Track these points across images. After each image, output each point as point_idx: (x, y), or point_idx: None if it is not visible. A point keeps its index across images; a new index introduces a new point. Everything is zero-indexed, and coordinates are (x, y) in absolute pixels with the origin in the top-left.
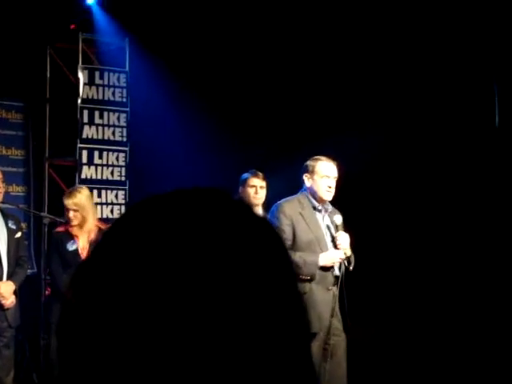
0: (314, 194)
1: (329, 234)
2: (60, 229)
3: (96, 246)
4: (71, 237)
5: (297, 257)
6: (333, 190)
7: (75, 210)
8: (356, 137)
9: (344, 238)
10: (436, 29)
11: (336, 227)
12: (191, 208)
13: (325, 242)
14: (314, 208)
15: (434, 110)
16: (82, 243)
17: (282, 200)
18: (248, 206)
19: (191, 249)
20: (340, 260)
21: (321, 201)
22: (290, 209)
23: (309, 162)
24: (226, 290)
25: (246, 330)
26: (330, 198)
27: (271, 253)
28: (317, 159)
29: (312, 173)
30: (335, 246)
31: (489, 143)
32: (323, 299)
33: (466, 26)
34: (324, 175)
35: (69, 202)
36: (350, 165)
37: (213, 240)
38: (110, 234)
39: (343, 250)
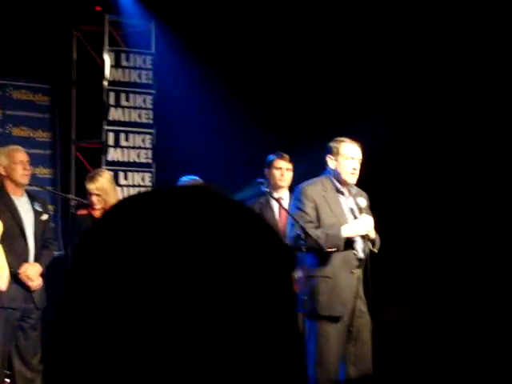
0: (337, 177)
1: (352, 217)
2: (83, 211)
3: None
4: (94, 220)
5: (318, 232)
6: (357, 173)
7: (97, 195)
8: (380, 119)
9: (368, 221)
10: (464, 16)
11: (360, 210)
12: (169, 208)
13: (346, 223)
14: (338, 191)
15: (459, 96)
16: None
17: (305, 183)
18: (233, 204)
19: (166, 249)
20: (365, 232)
21: (345, 183)
22: (313, 191)
23: (332, 144)
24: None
25: (228, 330)
26: (355, 181)
27: (252, 250)
28: (341, 141)
29: (336, 154)
30: None
31: None
32: (347, 283)
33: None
34: (349, 157)
35: (91, 187)
36: (374, 147)
37: (192, 239)
38: (88, 236)
39: (367, 233)
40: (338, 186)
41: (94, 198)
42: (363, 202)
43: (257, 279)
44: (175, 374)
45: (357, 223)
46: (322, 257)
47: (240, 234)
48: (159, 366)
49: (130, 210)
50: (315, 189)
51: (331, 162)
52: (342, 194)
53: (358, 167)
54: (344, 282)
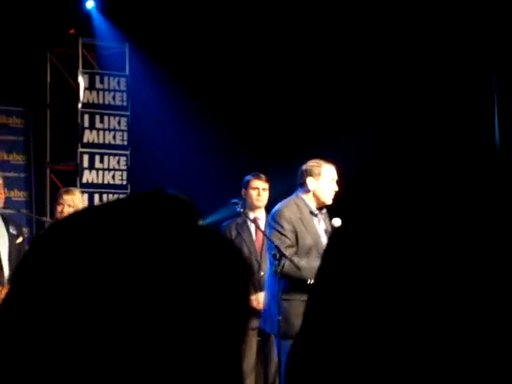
0: (317, 197)
1: (326, 238)
2: None
3: (25, 255)
4: None
5: (303, 262)
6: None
7: (70, 206)
8: (353, 138)
9: None
10: (437, 32)
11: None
12: (123, 216)
13: (323, 247)
14: (311, 213)
15: (431, 115)
16: None
17: (279, 205)
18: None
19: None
20: None
21: (323, 204)
22: (291, 213)
23: (312, 165)
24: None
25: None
26: (330, 202)
27: (200, 260)
28: (320, 163)
29: (318, 176)
30: None
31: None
32: None
33: (467, 30)
34: (330, 178)
35: (67, 198)
36: (346, 167)
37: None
38: (37, 243)
39: None
40: (312, 207)
41: (66, 210)
42: (338, 222)
43: (205, 290)
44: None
45: None
46: (299, 281)
47: (194, 247)
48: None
49: (79, 222)
50: (292, 210)
51: (312, 183)
52: (315, 215)
53: (337, 188)
54: None
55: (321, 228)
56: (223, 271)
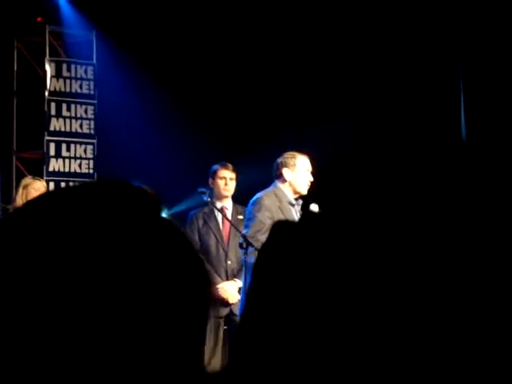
0: (294, 188)
1: None
2: None
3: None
4: None
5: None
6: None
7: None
8: (320, 129)
9: None
10: (406, 27)
11: None
12: (84, 201)
13: None
14: (289, 203)
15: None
16: None
17: (261, 193)
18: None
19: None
20: None
21: (299, 194)
22: (270, 202)
23: (287, 157)
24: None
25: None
26: (306, 192)
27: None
28: (294, 155)
29: (293, 167)
30: None
31: (455, 154)
32: None
33: (435, 26)
34: (305, 169)
35: (43, 184)
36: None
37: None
38: (12, 219)
39: None
40: (290, 197)
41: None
42: (315, 207)
43: (159, 280)
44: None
45: None
46: None
47: (153, 240)
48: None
49: (41, 207)
50: (271, 199)
51: (288, 174)
52: (293, 205)
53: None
54: None
55: (298, 217)
56: (178, 262)
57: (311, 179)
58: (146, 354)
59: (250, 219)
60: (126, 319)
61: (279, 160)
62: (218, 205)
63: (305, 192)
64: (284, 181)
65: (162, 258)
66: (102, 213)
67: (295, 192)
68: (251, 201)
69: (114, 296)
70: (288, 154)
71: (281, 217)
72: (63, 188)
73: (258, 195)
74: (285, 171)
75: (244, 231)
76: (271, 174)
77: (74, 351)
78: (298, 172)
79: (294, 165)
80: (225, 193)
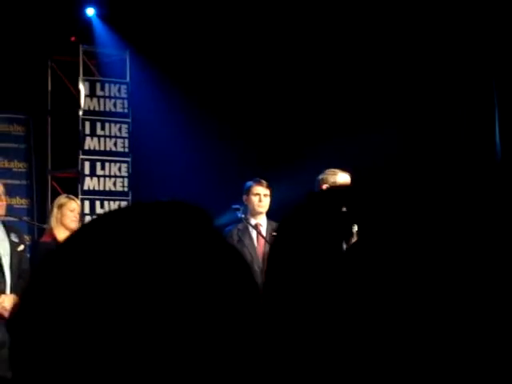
0: None
1: (344, 243)
2: (46, 238)
3: (56, 249)
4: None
5: None
6: None
7: (78, 213)
8: (354, 143)
9: None
10: (439, 41)
11: (351, 235)
12: (149, 221)
13: None
14: None
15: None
16: None
17: None
18: (208, 223)
19: (140, 261)
20: None
21: None
22: None
23: (327, 174)
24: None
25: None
26: None
27: (216, 267)
28: (334, 172)
29: (334, 184)
30: None
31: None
32: None
33: (469, 40)
34: None
35: (77, 204)
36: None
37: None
38: (70, 241)
39: None
40: None
41: (76, 216)
42: (355, 227)
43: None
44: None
45: None
46: None
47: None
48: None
49: (98, 228)
50: None
51: None
52: None
53: None
54: None
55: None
56: (235, 273)
57: None
58: (197, 360)
59: None
60: (182, 326)
61: (320, 177)
62: (253, 221)
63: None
64: None
65: (221, 269)
66: (168, 230)
67: None
68: None
69: (177, 299)
70: (329, 171)
71: None
72: (122, 209)
73: None
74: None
75: None
76: (306, 190)
77: (136, 352)
78: None
79: (335, 182)
80: (259, 209)
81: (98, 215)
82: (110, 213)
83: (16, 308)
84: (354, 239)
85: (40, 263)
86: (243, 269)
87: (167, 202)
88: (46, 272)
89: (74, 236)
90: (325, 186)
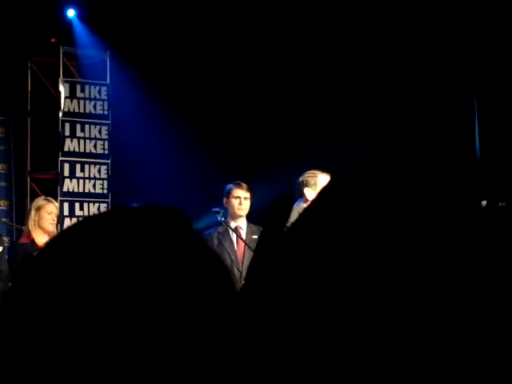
0: None
1: None
2: (24, 240)
3: (37, 255)
4: (37, 247)
5: None
6: None
7: (56, 216)
8: (333, 148)
9: None
10: (421, 47)
11: None
12: (134, 223)
13: None
14: None
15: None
16: None
17: None
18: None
19: (119, 264)
20: None
21: None
22: (294, 217)
23: (308, 177)
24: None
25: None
26: None
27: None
28: (315, 173)
29: (314, 186)
30: None
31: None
32: None
33: (451, 47)
34: None
35: (55, 206)
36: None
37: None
38: (52, 243)
39: None
40: None
41: (54, 218)
42: None
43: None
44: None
45: None
46: None
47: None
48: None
49: (78, 232)
50: (295, 217)
51: (309, 193)
52: None
53: None
54: None
55: None
56: (213, 280)
57: None
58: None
59: None
60: (161, 332)
61: (300, 179)
62: (233, 224)
63: None
64: (306, 200)
65: (200, 273)
66: (147, 235)
67: None
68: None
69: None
70: (309, 173)
71: None
72: (101, 214)
73: None
74: (306, 190)
75: None
76: (286, 193)
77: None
78: (318, 190)
79: (315, 184)
80: (239, 212)
81: (78, 218)
82: (90, 218)
83: None
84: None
85: (20, 268)
86: (222, 273)
87: (145, 206)
88: (26, 277)
89: (54, 241)
90: (306, 189)
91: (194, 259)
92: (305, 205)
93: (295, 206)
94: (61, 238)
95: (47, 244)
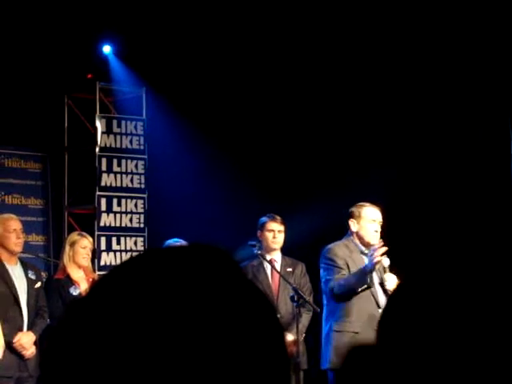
0: (361, 239)
1: (377, 276)
2: (59, 275)
3: (89, 292)
4: (72, 282)
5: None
6: (379, 234)
7: (90, 250)
8: (371, 176)
9: (392, 280)
10: (457, 80)
11: (384, 269)
12: (182, 264)
13: (373, 284)
14: (361, 252)
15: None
16: (83, 287)
17: (331, 244)
18: (236, 266)
19: (175, 304)
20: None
21: (368, 245)
22: (340, 251)
23: (354, 209)
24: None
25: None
26: (377, 242)
27: (249, 313)
28: (362, 205)
29: (358, 218)
30: (384, 289)
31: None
32: (372, 340)
33: (484, 69)
34: (370, 220)
35: (89, 241)
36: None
37: (194, 294)
38: (104, 281)
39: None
40: (362, 247)
41: (88, 253)
42: (387, 261)
43: (242, 343)
44: None
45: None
46: (349, 312)
47: (228, 297)
48: None
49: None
50: (341, 249)
51: (353, 225)
52: (365, 255)
53: (379, 229)
54: (370, 338)
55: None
56: (260, 318)
57: (377, 229)
58: None
59: (325, 267)
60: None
61: (349, 210)
62: (267, 257)
63: (373, 242)
64: (352, 232)
65: (247, 312)
66: (194, 276)
67: (363, 243)
68: (322, 251)
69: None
70: (357, 205)
71: (352, 264)
72: (141, 256)
73: (328, 246)
74: (351, 222)
75: (322, 278)
76: (319, 226)
77: None
78: (363, 223)
79: (360, 216)
80: (273, 245)
81: (115, 252)
82: (133, 260)
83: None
84: (387, 273)
85: (65, 315)
86: (268, 310)
87: (189, 247)
88: (70, 325)
89: (97, 287)
90: (350, 221)
91: (242, 297)
92: (352, 237)
93: (343, 238)
94: (102, 286)
95: (90, 290)
